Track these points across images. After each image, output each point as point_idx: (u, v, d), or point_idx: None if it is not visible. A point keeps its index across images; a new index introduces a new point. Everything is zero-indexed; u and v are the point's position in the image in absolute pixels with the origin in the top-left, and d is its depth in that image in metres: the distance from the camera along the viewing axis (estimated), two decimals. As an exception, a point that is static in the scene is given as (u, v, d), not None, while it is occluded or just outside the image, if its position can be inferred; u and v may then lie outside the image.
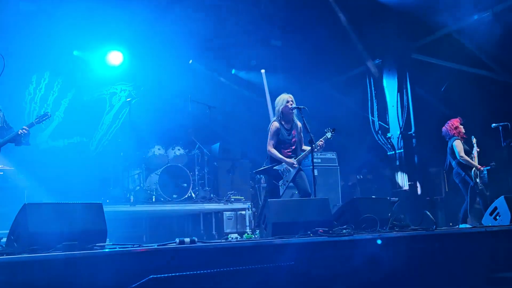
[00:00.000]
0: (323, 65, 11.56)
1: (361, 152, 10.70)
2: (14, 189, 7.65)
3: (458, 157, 7.77)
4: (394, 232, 4.98)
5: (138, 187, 8.64)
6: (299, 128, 6.53)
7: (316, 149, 6.16)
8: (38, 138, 9.93)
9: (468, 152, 7.85)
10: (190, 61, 10.85)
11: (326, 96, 11.31)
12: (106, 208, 7.29)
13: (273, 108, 6.78)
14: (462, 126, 7.98)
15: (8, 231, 4.02)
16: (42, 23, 9.25)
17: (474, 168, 7.70)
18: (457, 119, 8.05)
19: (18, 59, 9.19)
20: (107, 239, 6.12)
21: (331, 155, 10.01)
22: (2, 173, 7.50)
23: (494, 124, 7.69)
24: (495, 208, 6.32)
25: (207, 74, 11.04)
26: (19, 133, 6.24)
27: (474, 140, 7.92)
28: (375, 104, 11.59)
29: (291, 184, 6.43)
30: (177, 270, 3.60)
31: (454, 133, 7.94)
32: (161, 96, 10.78)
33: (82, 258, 3.39)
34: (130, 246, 3.84)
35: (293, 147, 6.44)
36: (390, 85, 11.25)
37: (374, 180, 10.99)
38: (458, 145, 7.81)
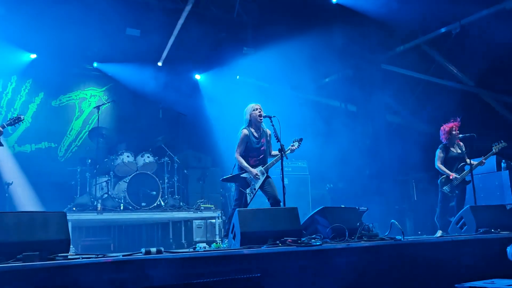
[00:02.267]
0: (297, 73, 11.60)
1: (332, 161, 10.75)
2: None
3: (435, 166, 7.82)
4: (363, 242, 4.99)
5: (106, 195, 8.49)
6: (268, 136, 6.54)
7: (283, 158, 6.17)
8: (4, 143, 9.70)
9: (455, 159, 7.83)
10: (160, 63, 10.76)
11: (299, 103, 11.35)
12: (72, 216, 7.28)
13: None
14: (455, 132, 7.75)
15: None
16: (7, 27, 9.10)
17: (444, 176, 7.71)
18: (450, 124, 7.83)
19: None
20: (73, 248, 6.00)
21: (301, 163, 10.03)
22: None
23: (461, 135, 7.76)
24: (461, 218, 6.39)
25: (176, 80, 10.97)
26: None
27: (495, 147, 7.61)
28: (347, 112, 11.70)
29: (260, 192, 6.41)
30: (143, 281, 3.53)
31: (442, 138, 7.91)
32: (131, 103, 10.67)
33: (43, 269, 3.29)
34: (94, 256, 3.76)
35: (262, 156, 6.43)
36: (360, 94, 11.37)
37: (345, 189, 11.05)
38: (437, 154, 7.81)
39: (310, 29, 10.16)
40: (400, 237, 5.13)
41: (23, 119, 6.59)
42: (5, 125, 6.33)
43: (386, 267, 4.76)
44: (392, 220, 5.46)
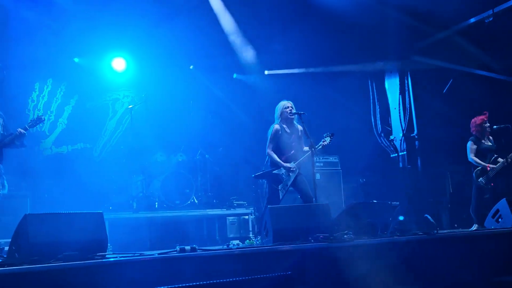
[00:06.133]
0: (325, 68, 11.55)
1: (364, 155, 10.67)
2: (17, 198, 7.65)
3: (469, 159, 7.74)
4: (395, 237, 4.97)
5: (141, 194, 8.66)
6: (299, 132, 6.56)
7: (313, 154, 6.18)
8: (42, 144, 9.98)
9: (487, 150, 7.71)
10: (191, 67, 10.85)
11: (328, 99, 11.28)
12: (109, 215, 7.45)
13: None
14: (486, 124, 7.71)
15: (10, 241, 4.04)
16: (44, 31, 9.30)
17: (480, 168, 7.61)
18: (481, 116, 7.78)
19: (20, 67, 9.25)
20: (110, 246, 6.14)
21: (333, 158, 9.98)
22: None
23: (495, 126, 7.63)
24: (497, 211, 6.28)
25: (208, 80, 11.04)
26: (17, 133, 6.20)
27: None
28: (377, 107, 11.57)
29: (292, 188, 6.43)
30: (178, 279, 3.61)
31: (473, 131, 7.83)
32: (163, 102, 10.79)
33: (82, 268, 3.41)
34: (130, 255, 3.86)
35: (293, 151, 6.45)
36: (391, 87, 11.24)
37: (377, 184, 10.94)
38: (469, 147, 7.74)
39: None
40: (434, 231, 5.08)
41: (44, 119, 6.70)
42: (27, 127, 6.42)
43: (419, 261, 4.74)
44: (426, 215, 5.41)
